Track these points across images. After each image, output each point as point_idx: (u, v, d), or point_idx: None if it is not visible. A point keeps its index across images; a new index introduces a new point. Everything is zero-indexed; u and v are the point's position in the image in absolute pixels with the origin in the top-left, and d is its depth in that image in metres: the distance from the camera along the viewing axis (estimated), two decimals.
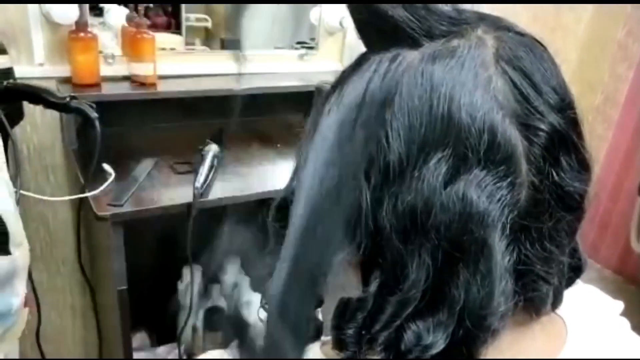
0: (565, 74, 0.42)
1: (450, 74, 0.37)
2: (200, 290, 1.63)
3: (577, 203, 0.41)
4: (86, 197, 1.11)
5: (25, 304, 0.72)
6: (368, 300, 0.40)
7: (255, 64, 1.70)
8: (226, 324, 1.51)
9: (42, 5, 1.29)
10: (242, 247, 1.75)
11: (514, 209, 0.37)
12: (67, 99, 1.08)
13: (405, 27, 0.40)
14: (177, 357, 1.51)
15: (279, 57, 1.78)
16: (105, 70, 1.43)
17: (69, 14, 1.28)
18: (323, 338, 0.49)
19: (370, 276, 0.40)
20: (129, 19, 1.44)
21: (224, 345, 1.50)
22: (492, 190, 0.36)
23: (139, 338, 1.63)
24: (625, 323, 0.51)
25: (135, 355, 1.52)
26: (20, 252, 0.68)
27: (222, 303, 1.59)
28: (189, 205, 1.13)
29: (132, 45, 1.42)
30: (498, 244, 0.37)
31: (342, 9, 1.73)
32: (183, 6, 1.70)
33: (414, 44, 0.40)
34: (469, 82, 0.37)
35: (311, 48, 1.81)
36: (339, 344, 0.42)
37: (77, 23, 1.31)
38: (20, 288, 0.69)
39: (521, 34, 0.42)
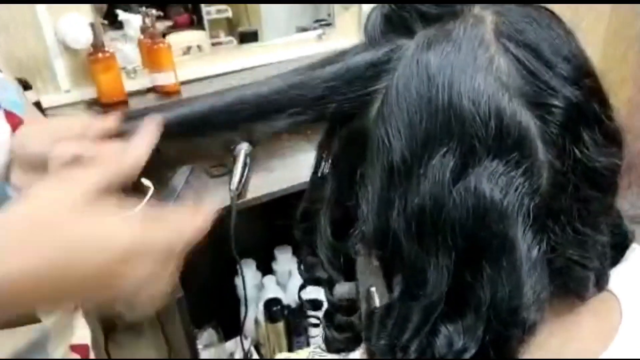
0: None
1: (447, 59, 0.35)
2: (257, 283, 1.66)
3: (606, 179, 0.38)
4: None
5: (78, 351, 0.74)
6: (393, 308, 0.38)
7: (277, 53, 1.68)
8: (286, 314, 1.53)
9: (57, 33, 1.32)
10: (292, 234, 1.76)
11: (534, 195, 0.35)
12: None
13: (397, 14, 0.39)
14: (243, 351, 1.55)
15: (299, 41, 1.75)
16: (130, 85, 1.45)
17: (81, 38, 1.30)
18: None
19: (393, 281, 0.39)
20: (142, 31, 1.45)
21: (287, 335, 1.53)
22: (507, 180, 0.34)
23: (207, 335, 1.68)
24: None
25: (206, 352, 1.58)
26: (52, 319, 0.69)
27: (278, 293, 1.62)
28: (228, 209, 1.14)
29: (149, 56, 1.43)
30: (522, 235, 0.35)
31: None
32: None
33: (410, 32, 0.38)
34: (468, 66, 0.35)
35: (328, 25, 1.77)
36: (372, 355, 0.41)
37: (93, 45, 1.33)
38: (57, 352, 0.71)
39: (525, 4, 0.38)
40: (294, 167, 1.34)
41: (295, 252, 1.71)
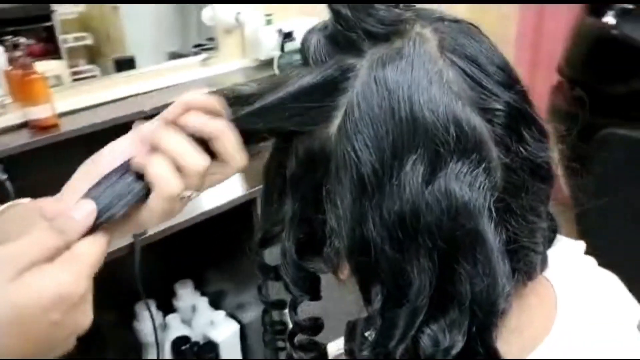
0: None
1: (403, 75, 0.38)
2: (160, 324, 1.56)
3: (547, 171, 0.43)
4: None
5: None
6: (374, 318, 0.39)
7: (157, 80, 1.61)
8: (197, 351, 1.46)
9: None
10: (191, 267, 1.69)
11: (494, 192, 0.38)
12: None
13: (344, 35, 0.40)
14: None
15: (180, 67, 1.70)
16: None
17: None
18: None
19: (371, 292, 0.40)
20: (10, 61, 1.32)
21: None
22: (471, 179, 0.37)
23: None
24: (592, 261, 0.52)
25: None
26: None
27: (185, 331, 1.53)
28: (131, 245, 1.06)
29: (22, 89, 1.31)
30: (489, 229, 0.38)
31: (236, 5, 1.68)
32: (58, 28, 1.57)
33: (358, 50, 0.40)
34: (422, 79, 0.38)
35: (211, 49, 1.74)
36: None
37: None
38: None
39: (455, 21, 0.42)
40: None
41: (197, 286, 1.64)
